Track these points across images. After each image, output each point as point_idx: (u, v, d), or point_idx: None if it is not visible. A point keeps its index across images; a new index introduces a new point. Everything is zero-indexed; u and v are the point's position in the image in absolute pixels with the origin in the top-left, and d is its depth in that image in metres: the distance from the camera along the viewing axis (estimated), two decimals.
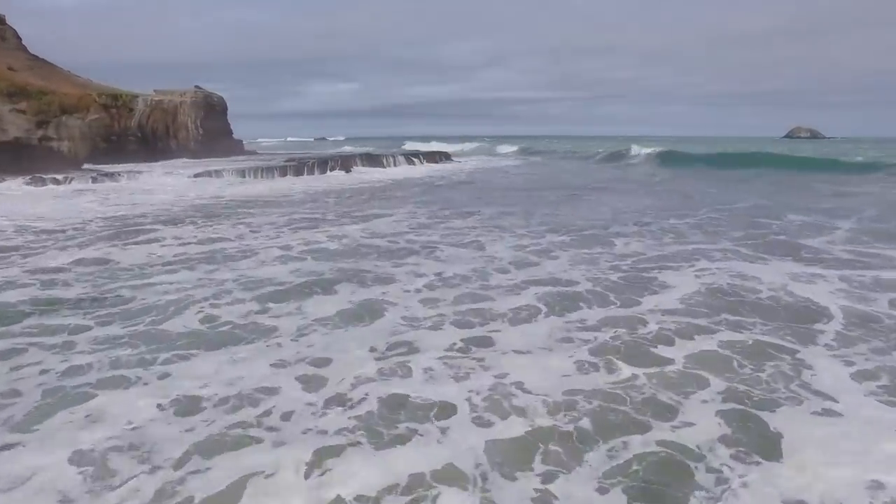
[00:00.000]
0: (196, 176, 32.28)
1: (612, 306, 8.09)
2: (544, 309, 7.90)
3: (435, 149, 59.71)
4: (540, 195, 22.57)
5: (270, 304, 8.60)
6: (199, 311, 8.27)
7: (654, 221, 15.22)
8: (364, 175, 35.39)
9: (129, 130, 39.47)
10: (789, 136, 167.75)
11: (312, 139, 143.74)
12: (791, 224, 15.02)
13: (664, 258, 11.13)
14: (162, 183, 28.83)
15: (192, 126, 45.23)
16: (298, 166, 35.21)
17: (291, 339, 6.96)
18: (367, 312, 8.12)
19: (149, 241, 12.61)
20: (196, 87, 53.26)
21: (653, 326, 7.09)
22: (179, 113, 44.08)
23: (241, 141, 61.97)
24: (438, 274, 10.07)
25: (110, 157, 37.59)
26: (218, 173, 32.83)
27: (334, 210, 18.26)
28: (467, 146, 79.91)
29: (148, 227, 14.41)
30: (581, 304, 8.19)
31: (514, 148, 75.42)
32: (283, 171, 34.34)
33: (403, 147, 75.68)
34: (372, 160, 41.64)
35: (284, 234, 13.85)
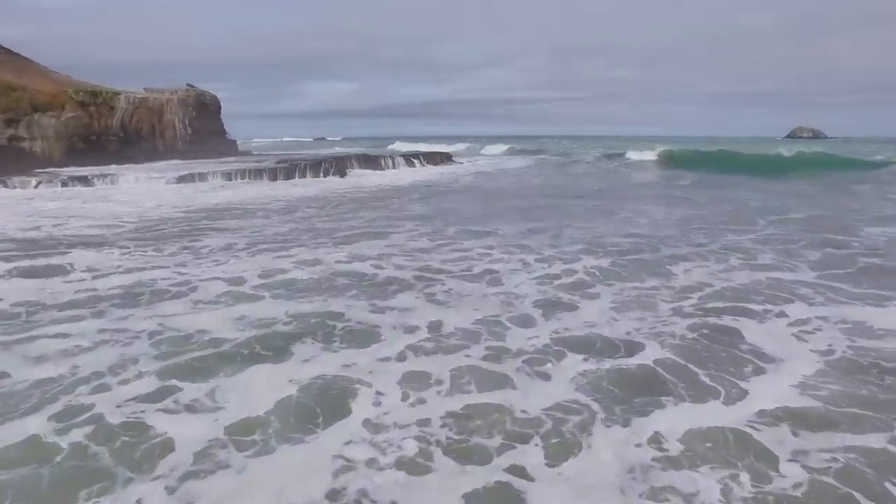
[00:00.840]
0: (179, 180, 29.41)
1: (702, 400, 5.07)
2: (597, 410, 4.87)
3: (424, 149, 55.98)
4: (560, 204, 19.36)
5: (182, 384, 5.67)
6: (69, 401, 5.34)
7: (710, 239, 12.12)
8: (360, 179, 32.40)
9: (111, 130, 36.43)
10: (791, 136, 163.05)
11: (312, 139, 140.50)
12: (875, 240, 11.97)
13: (741, 295, 8.11)
14: (133, 189, 25.94)
15: (179, 125, 42.24)
16: (289, 169, 32.24)
17: (167, 488, 3.96)
18: (319, 406, 5.17)
19: (53, 272, 9.53)
20: (188, 85, 50.38)
21: (790, 468, 4.00)
22: (166, 112, 41.07)
23: (236, 141, 59.02)
24: (435, 326, 7.09)
25: (90, 158, 34.68)
26: (202, 176, 29.94)
27: (314, 225, 15.10)
28: (459, 146, 76.58)
29: (63, 249, 11.32)
30: (652, 396, 5.16)
31: (505, 147, 71.56)
32: (274, 174, 31.42)
33: (391, 147, 72.63)
34: (369, 161, 38.64)
35: (241, 259, 10.80)
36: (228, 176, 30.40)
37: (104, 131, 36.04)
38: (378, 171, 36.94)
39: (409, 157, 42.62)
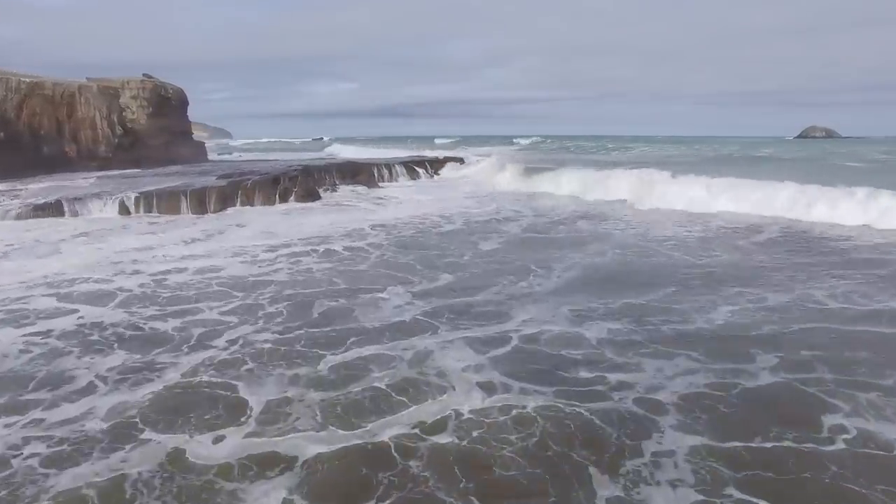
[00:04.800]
0: (34, 211, 17.12)
1: None
2: None
3: (367, 157, 40.94)
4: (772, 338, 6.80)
5: None
6: None
7: None
8: (337, 207, 19.85)
9: None
10: (803, 135, 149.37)
11: (311, 139, 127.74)
12: None
13: None
14: None
15: (102, 123, 29.65)
16: (227, 191, 19.70)
17: None
18: None
19: None
20: (145, 75, 37.90)
21: None
22: (79, 105, 28.39)
23: (203, 143, 46.50)
24: None
25: None
26: (75, 209, 17.61)
27: None
28: (444, 141, 64.11)
29: None
30: None
31: (513, 148, 58.59)
32: (201, 201, 18.85)
33: (328, 150, 60.72)
34: (357, 173, 26.16)
35: None
36: (124, 206, 17.95)
37: None
38: (369, 190, 24.43)
39: (413, 166, 30.15)
